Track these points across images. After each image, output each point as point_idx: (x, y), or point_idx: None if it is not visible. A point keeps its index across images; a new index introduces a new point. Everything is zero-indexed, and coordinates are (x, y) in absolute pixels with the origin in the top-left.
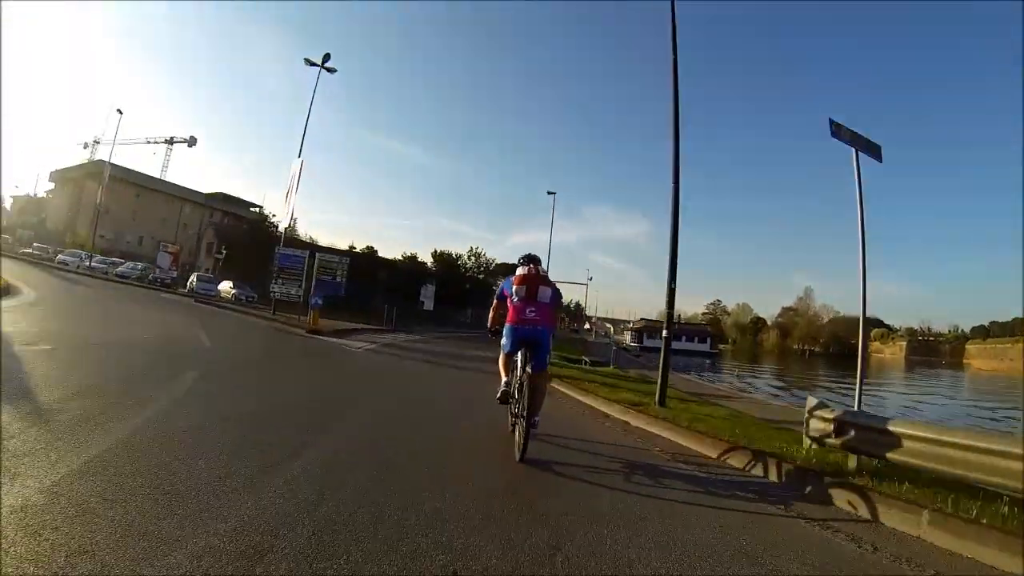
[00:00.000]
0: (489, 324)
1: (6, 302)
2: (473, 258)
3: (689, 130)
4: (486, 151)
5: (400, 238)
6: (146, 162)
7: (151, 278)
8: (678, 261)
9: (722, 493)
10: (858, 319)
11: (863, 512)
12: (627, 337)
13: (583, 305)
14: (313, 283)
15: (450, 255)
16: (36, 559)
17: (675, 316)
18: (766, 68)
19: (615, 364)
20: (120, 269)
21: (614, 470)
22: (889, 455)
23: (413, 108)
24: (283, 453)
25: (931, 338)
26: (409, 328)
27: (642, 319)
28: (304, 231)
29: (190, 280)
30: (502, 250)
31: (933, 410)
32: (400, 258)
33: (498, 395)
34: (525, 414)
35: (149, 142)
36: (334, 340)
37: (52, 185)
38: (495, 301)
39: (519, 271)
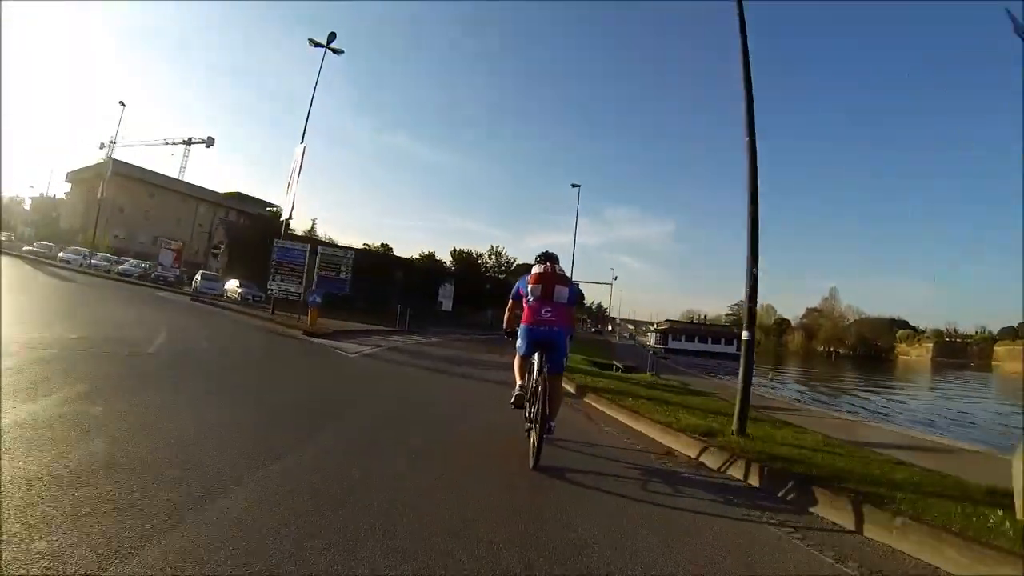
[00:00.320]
0: (504, 325)
1: None
2: (493, 257)
3: (707, 131)
4: (505, 150)
5: (419, 240)
6: (165, 163)
7: (153, 276)
8: (759, 237)
9: None
10: (887, 320)
11: None
12: (651, 338)
13: (605, 306)
14: (315, 280)
15: (469, 253)
16: None
17: (697, 318)
18: (775, 68)
19: (653, 371)
20: (122, 267)
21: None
22: None
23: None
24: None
25: (958, 339)
26: (424, 329)
27: (667, 320)
28: (323, 232)
29: (195, 278)
30: (519, 251)
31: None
32: (417, 257)
33: (512, 399)
34: (540, 419)
35: (167, 143)
36: (330, 343)
37: (70, 186)
38: (510, 301)
39: (535, 269)
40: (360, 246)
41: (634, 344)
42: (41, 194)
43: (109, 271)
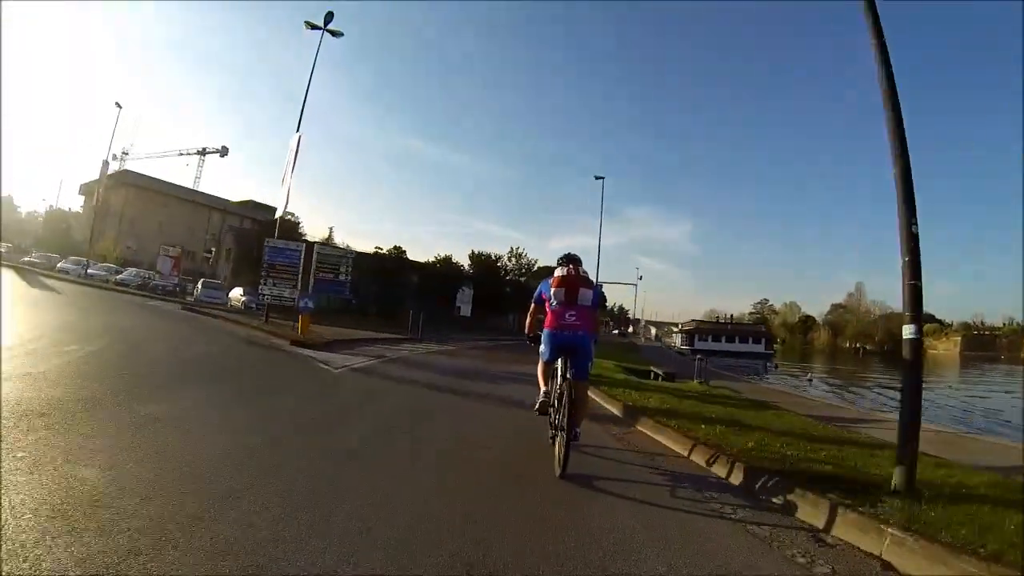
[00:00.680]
0: (527, 330)
1: None
2: (514, 259)
3: (708, 131)
4: (518, 151)
5: (436, 245)
6: (181, 174)
7: (153, 285)
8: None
9: None
10: None
11: None
12: (676, 339)
13: (626, 308)
14: (311, 283)
15: (488, 256)
16: None
17: (723, 318)
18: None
19: (701, 378)
20: (121, 276)
21: None
22: None
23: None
24: None
25: (986, 332)
26: (441, 336)
27: (692, 320)
28: (341, 240)
29: (196, 287)
30: (540, 253)
31: None
32: (433, 260)
33: (536, 405)
34: (567, 427)
35: (182, 154)
36: (319, 355)
37: (83, 199)
38: (532, 305)
39: (557, 272)
40: (371, 250)
41: (661, 346)
42: (51, 206)
43: (108, 281)
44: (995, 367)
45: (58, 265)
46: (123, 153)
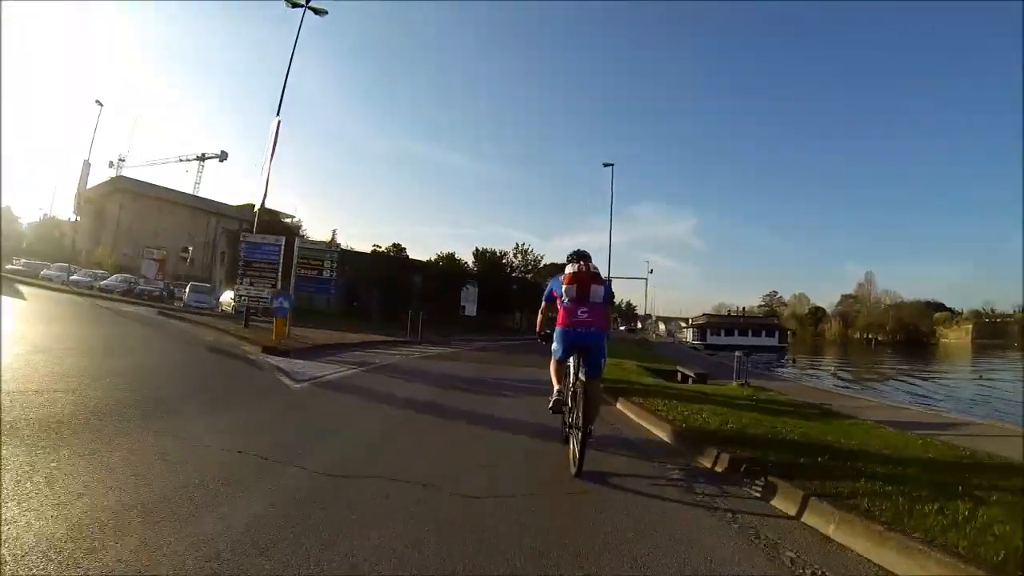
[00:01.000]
0: (537, 328)
1: None
2: (520, 255)
3: (729, 130)
4: (518, 151)
5: (438, 245)
6: (181, 180)
7: (138, 291)
8: None
9: None
10: (922, 303)
11: None
12: (687, 334)
13: (634, 304)
14: (292, 281)
15: (493, 253)
16: None
17: (734, 311)
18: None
19: (741, 380)
20: (104, 282)
21: None
22: None
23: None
24: None
25: (997, 319)
26: (444, 337)
27: (703, 314)
28: (344, 242)
29: (185, 290)
30: (545, 250)
31: None
32: (435, 258)
33: (550, 404)
34: (582, 425)
35: (181, 159)
36: (290, 364)
37: (74, 205)
38: (543, 303)
39: (568, 269)
40: (369, 250)
41: (674, 342)
42: (45, 215)
43: (92, 287)
44: (1007, 355)
45: (42, 272)
46: (120, 160)
